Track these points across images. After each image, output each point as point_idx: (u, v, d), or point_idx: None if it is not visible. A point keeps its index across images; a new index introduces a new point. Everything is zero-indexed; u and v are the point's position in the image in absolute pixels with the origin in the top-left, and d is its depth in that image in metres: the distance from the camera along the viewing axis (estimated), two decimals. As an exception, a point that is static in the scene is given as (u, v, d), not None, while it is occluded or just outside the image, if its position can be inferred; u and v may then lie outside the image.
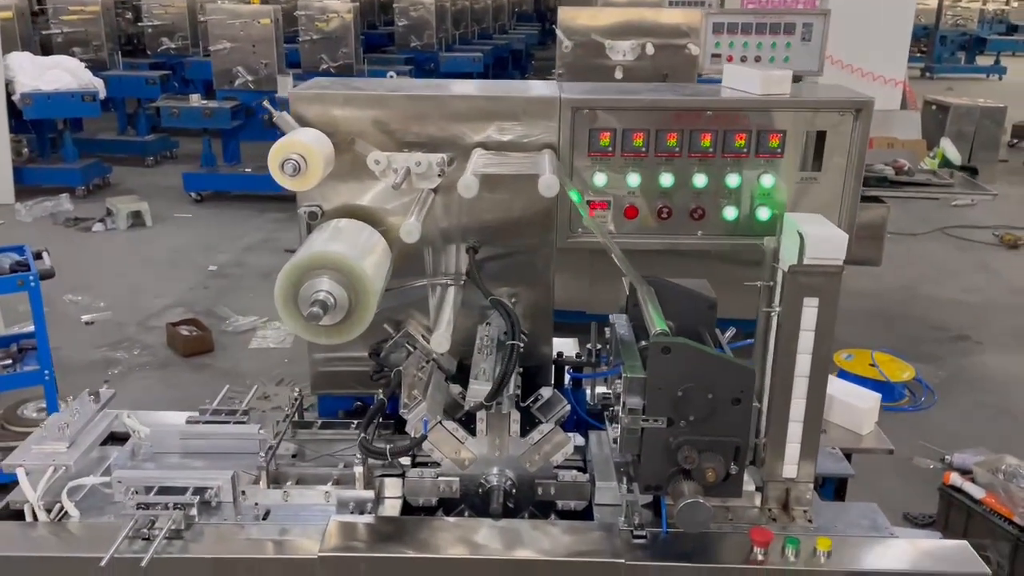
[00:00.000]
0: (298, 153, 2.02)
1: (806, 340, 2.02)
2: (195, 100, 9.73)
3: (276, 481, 2.20)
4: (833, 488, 2.47)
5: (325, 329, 2.00)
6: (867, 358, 5.18)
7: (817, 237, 1.97)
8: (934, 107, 11.20)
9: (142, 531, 1.97)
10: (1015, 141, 12.67)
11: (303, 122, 2.26)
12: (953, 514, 3.72)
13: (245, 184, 9.61)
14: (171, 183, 9.94)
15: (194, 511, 2.04)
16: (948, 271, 7.63)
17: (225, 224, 8.79)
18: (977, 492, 3.65)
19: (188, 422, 2.43)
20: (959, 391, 5.34)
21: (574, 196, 2.17)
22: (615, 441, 2.17)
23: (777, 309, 2.05)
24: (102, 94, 9.69)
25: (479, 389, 2.10)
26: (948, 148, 7.77)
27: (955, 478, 3.78)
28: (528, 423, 2.26)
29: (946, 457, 4.40)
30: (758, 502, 2.15)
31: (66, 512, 2.08)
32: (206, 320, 6.14)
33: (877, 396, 2.54)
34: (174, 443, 2.33)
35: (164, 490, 2.08)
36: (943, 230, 8.72)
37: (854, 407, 2.49)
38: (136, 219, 8.66)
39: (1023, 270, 7.76)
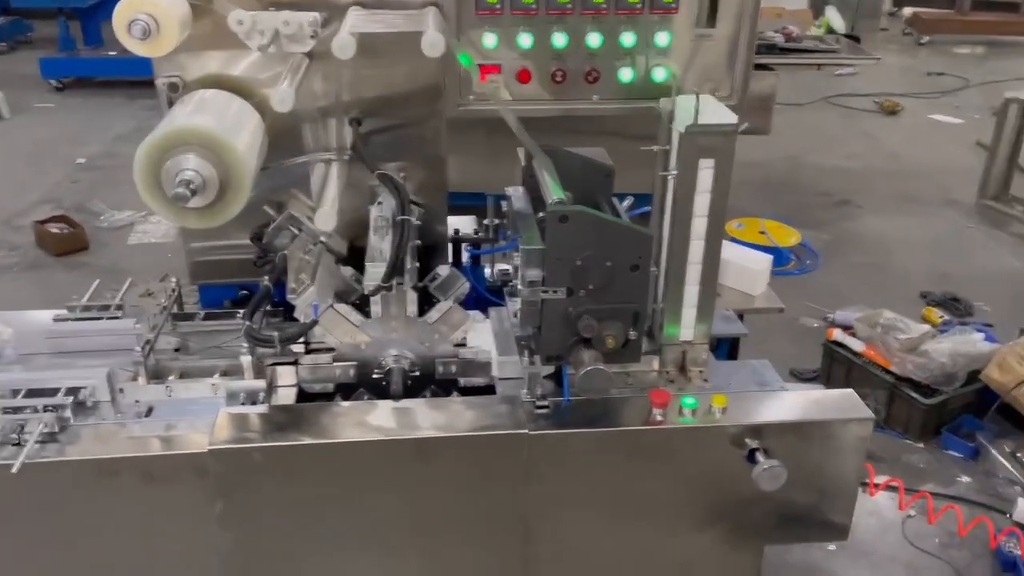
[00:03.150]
0: (147, 13, 1.79)
1: (702, 203, 1.99)
2: (44, -26, 8.77)
3: (158, 376, 2.07)
4: (728, 348, 2.53)
5: (195, 212, 1.83)
6: (757, 226, 5.32)
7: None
8: (821, -25, 11.23)
9: (11, 436, 1.83)
10: (895, 10, 12.94)
11: (153, -20, 2.00)
12: (835, 367, 3.94)
13: (110, 69, 8.81)
14: (28, 71, 9.03)
15: (68, 413, 1.91)
16: (832, 139, 7.84)
17: (92, 113, 8.12)
18: (857, 345, 3.86)
19: (56, 320, 2.25)
20: (842, 253, 5.58)
21: (463, 60, 2.03)
22: (516, 315, 2.13)
23: (673, 172, 2.01)
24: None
25: (376, 271, 2.00)
26: (833, 17, 7.83)
27: (838, 334, 3.98)
28: (426, 302, 2.19)
29: (829, 315, 4.61)
30: (656, 365, 2.18)
31: (-78, 422, 1.90)
32: (78, 216, 5.72)
33: (769, 258, 2.59)
34: (41, 343, 2.16)
35: (33, 393, 1.93)
36: (827, 99, 8.91)
37: (747, 269, 2.53)
38: (-10, 110, 7.89)
39: (901, 135, 8.06)
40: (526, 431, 1.93)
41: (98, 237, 5.59)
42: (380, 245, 2.10)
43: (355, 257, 2.27)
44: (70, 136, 7.47)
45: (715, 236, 2.04)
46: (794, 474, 1.93)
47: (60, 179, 6.55)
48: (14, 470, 1.74)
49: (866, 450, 2.04)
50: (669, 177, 2.03)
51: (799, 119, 8.22)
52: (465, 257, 2.54)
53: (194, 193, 1.76)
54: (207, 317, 2.34)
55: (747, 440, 1.95)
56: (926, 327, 3.92)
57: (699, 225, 2.01)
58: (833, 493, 2.06)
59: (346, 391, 2.17)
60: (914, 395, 3.62)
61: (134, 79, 8.49)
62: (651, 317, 2.12)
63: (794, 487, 1.98)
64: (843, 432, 1.99)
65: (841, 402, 2.06)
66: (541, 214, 2.08)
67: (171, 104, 2.08)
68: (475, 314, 2.24)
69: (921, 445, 3.66)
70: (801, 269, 5.29)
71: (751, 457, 1.94)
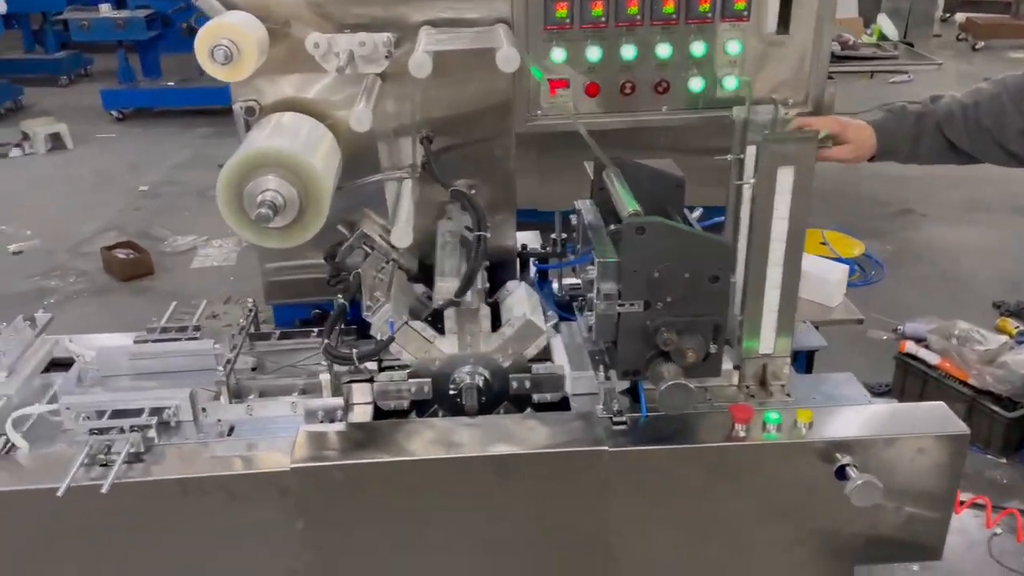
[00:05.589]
0: (228, 38, 1.82)
1: (782, 207, 1.94)
2: (106, 10, 9.10)
3: (237, 395, 2.09)
4: (805, 362, 2.47)
5: (277, 232, 1.85)
6: (818, 237, 5.23)
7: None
8: (871, -18, 11.07)
9: (98, 457, 1.85)
10: (947, 15, 12.69)
11: (230, 6, 2.04)
12: (910, 381, 3.82)
13: (168, 99, 9.11)
14: (89, 102, 9.38)
15: (152, 433, 1.93)
16: (890, 148, 7.68)
17: (151, 142, 8.36)
18: (932, 358, 3.75)
19: (136, 342, 2.29)
20: (907, 263, 5.45)
21: (535, 73, 2.02)
22: (589, 330, 2.10)
23: (751, 181, 1.97)
24: (3, 9, 8.96)
25: (446, 286, 2.00)
26: (885, 24, 7.70)
27: (910, 346, 3.87)
28: (496, 317, 2.18)
29: (898, 328, 4.49)
30: (736, 380, 2.12)
31: (13, 444, 1.95)
32: (142, 242, 5.88)
33: (845, 268, 2.53)
34: (123, 365, 2.20)
35: (118, 413, 1.96)
36: (883, 107, 8.75)
37: (823, 280, 2.47)
38: (55, 142, 8.17)
39: (962, 143, 7.87)
40: (606, 448, 1.90)
41: (162, 262, 5.73)
42: (448, 260, 2.10)
43: (425, 274, 2.27)
44: (131, 165, 7.70)
45: (795, 245, 1.99)
46: (886, 492, 1.86)
47: (123, 206, 6.75)
48: (104, 490, 1.76)
49: (961, 467, 1.96)
50: (745, 186, 1.99)
51: (855, 128, 8.07)
52: (532, 272, 2.54)
53: (276, 213, 1.78)
54: (282, 336, 2.36)
55: (836, 455, 1.89)
56: (1003, 338, 3.80)
57: (780, 228, 1.95)
58: (926, 512, 1.98)
59: (421, 407, 2.16)
60: (995, 408, 3.49)
61: (191, 108, 8.76)
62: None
63: (886, 505, 1.91)
64: (938, 448, 1.92)
65: (933, 416, 1.99)
66: (613, 227, 2.06)
67: (248, 127, 2.11)
68: (549, 328, 2.21)
69: (1004, 460, 3.53)
70: (866, 280, 5.18)
71: (841, 473, 1.88)
